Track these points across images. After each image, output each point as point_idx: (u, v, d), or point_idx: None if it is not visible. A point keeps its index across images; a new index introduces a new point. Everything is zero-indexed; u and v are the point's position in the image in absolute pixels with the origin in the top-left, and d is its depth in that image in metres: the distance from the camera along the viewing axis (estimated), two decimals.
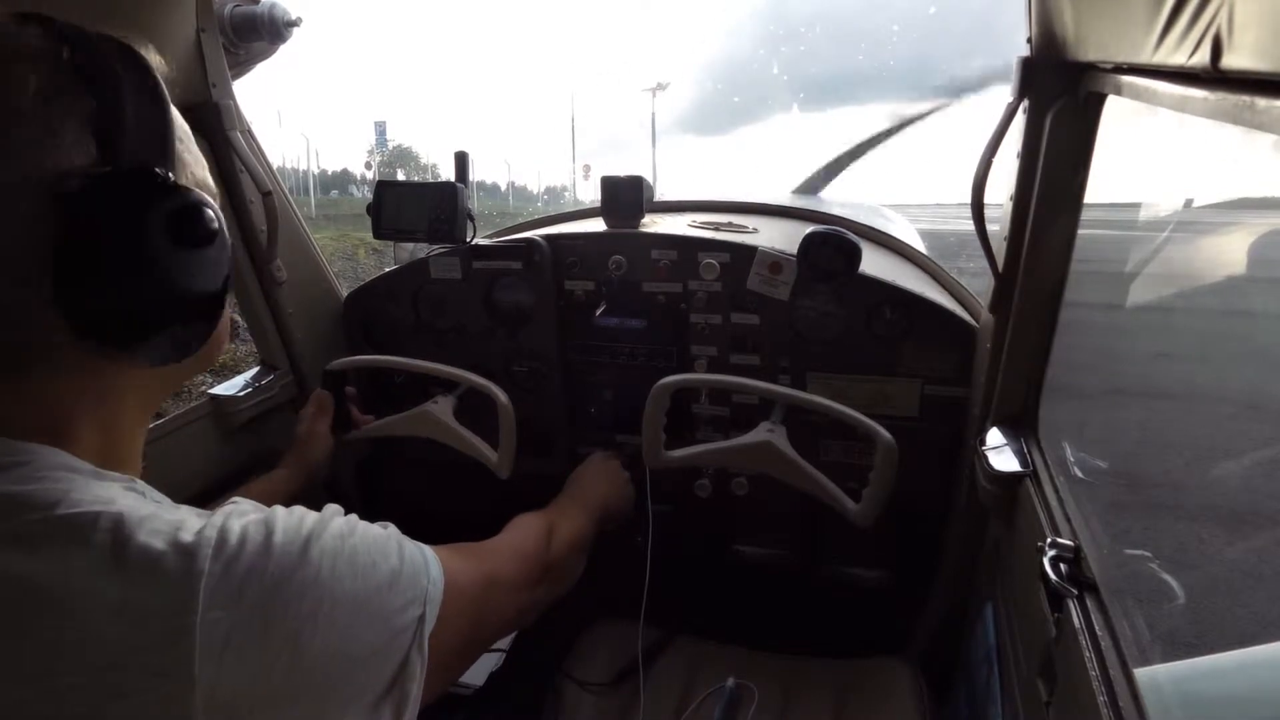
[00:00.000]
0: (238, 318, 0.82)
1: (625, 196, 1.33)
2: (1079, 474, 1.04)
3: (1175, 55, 0.55)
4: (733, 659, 1.21)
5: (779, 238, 1.29)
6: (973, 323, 1.17)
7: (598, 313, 1.31)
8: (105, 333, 0.47)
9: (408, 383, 1.42)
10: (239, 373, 1.32)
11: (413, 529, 0.60)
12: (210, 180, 0.57)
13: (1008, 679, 0.93)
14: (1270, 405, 3.38)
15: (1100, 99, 0.83)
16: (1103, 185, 0.90)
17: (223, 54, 1.11)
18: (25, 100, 0.44)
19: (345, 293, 1.47)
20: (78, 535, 0.42)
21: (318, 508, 0.54)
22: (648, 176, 1.36)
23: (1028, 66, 0.87)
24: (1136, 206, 2.24)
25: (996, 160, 0.91)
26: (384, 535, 0.55)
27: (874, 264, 1.25)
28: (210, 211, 0.51)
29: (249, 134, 1.18)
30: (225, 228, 0.53)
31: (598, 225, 1.37)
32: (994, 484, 0.97)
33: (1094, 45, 0.75)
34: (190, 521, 0.46)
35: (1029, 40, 0.86)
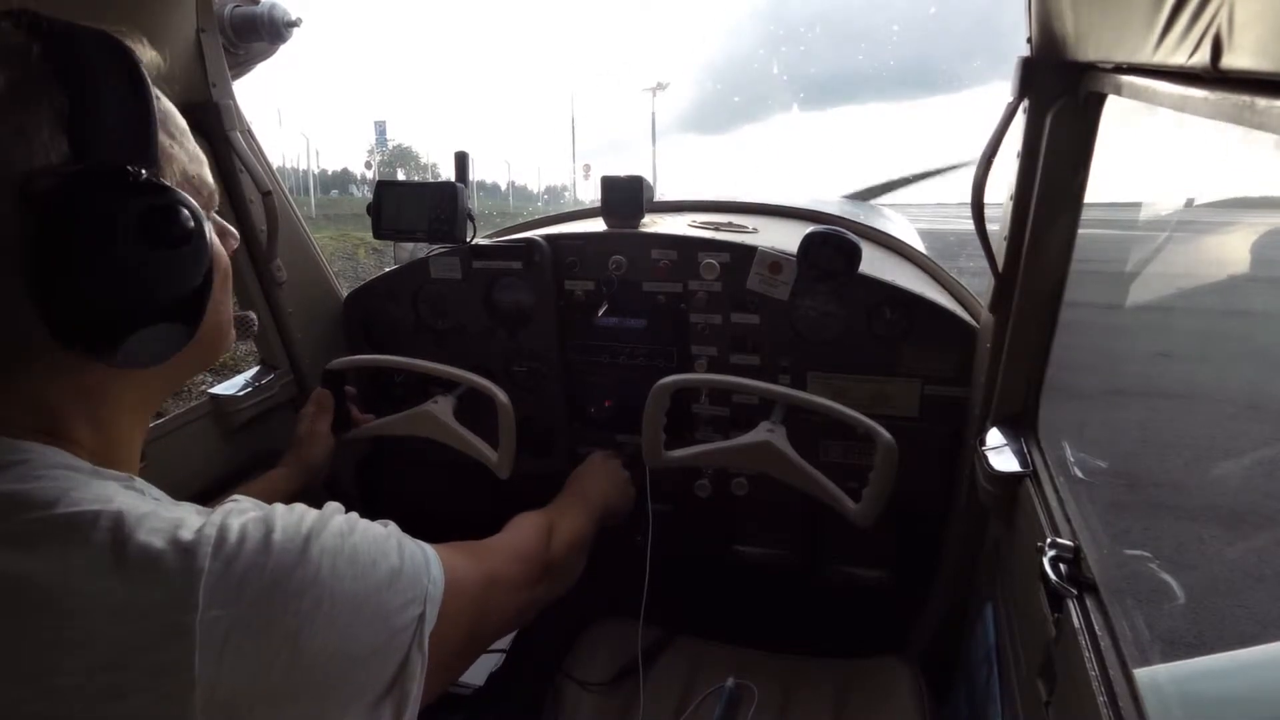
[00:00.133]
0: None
1: (625, 196, 1.33)
2: (1079, 474, 1.04)
3: (1175, 55, 0.55)
4: (732, 659, 1.21)
5: (779, 238, 1.28)
6: (973, 323, 1.17)
7: (600, 314, 1.31)
8: (79, 334, 0.46)
9: (408, 382, 1.42)
10: (239, 372, 1.32)
11: (413, 528, 0.60)
12: (208, 177, 0.57)
13: (1007, 679, 0.93)
14: (1270, 405, 3.38)
15: (1100, 99, 0.83)
16: (1103, 185, 0.90)
17: (223, 54, 1.11)
18: None
19: (345, 292, 1.47)
20: (77, 534, 0.42)
21: (318, 507, 0.54)
22: (648, 176, 1.36)
23: (1028, 66, 0.87)
24: (1137, 206, 2.23)
25: (997, 160, 0.91)
26: (384, 534, 0.55)
27: (874, 264, 1.25)
28: (186, 210, 0.49)
29: (249, 134, 1.18)
30: (206, 227, 0.51)
31: (598, 225, 1.37)
32: (994, 484, 0.97)
33: (1094, 45, 0.75)
34: (190, 519, 0.46)
35: (1029, 40, 0.86)
